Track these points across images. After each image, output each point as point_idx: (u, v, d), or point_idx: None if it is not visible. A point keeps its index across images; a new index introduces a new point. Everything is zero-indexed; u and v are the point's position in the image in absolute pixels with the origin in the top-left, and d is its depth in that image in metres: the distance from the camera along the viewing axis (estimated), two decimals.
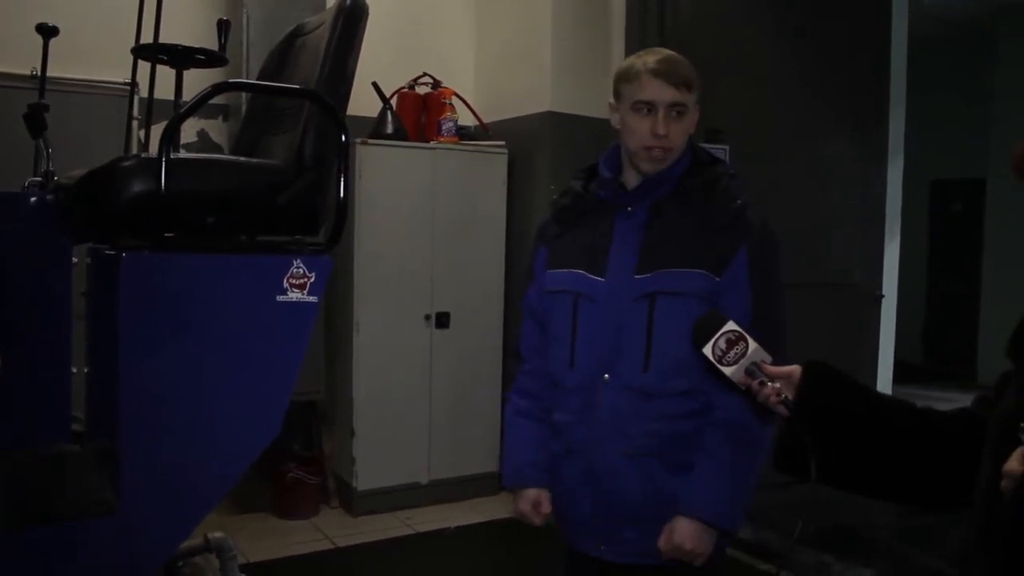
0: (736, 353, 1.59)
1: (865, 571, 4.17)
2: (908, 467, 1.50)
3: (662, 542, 2.02)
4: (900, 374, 6.24)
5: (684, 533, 1.99)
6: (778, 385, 1.55)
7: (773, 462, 1.62)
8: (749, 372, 1.58)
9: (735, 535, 2.14)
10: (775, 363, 1.60)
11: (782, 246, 2.12)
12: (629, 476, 2.07)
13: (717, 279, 2.01)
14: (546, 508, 2.24)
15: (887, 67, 5.56)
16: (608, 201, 2.16)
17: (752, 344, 1.59)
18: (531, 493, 2.24)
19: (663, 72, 2.02)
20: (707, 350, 1.61)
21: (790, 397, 1.54)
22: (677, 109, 2.03)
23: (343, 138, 2.20)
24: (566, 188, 2.28)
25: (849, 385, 1.56)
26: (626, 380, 2.05)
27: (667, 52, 2.10)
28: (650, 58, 2.06)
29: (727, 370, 1.60)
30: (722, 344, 1.60)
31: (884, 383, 5.78)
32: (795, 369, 1.57)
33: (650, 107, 2.04)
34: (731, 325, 1.61)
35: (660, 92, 2.02)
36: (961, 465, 1.37)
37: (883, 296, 5.62)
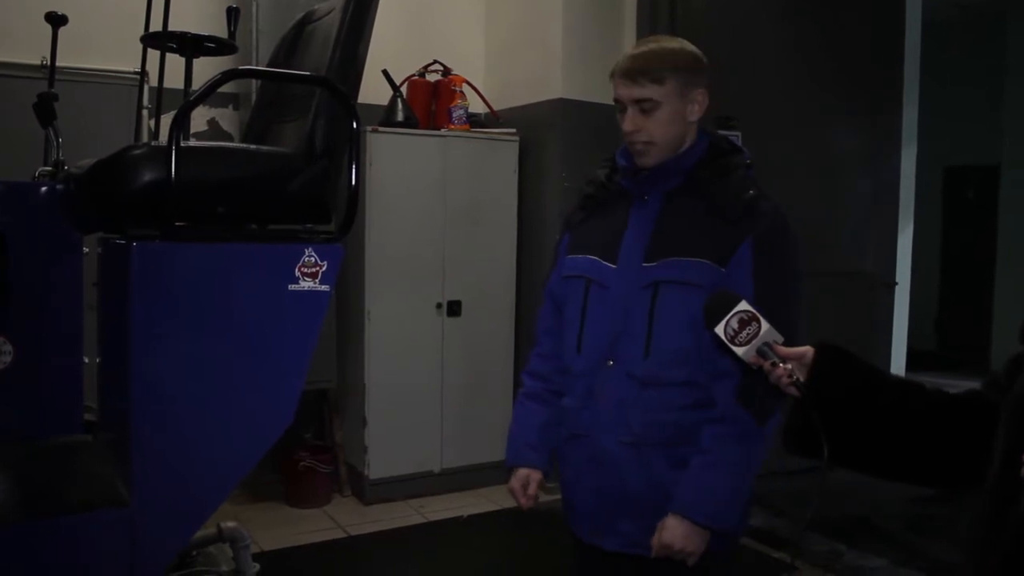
0: (748, 333, 1.58)
1: (878, 560, 4.16)
2: (918, 448, 1.50)
3: (653, 540, 2.01)
4: (913, 362, 6.22)
5: (674, 533, 1.98)
6: (790, 366, 1.55)
7: (784, 443, 1.62)
8: (761, 352, 1.58)
9: (734, 534, 2.13)
10: None
11: (798, 236, 2.09)
12: (627, 465, 2.07)
13: (722, 269, 2.00)
14: (533, 489, 2.25)
15: (900, 53, 5.53)
16: (628, 190, 2.17)
17: (764, 324, 1.58)
18: (522, 472, 2.26)
19: (625, 70, 2.07)
20: (719, 330, 1.60)
21: (802, 378, 1.54)
22: (642, 105, 2.05)
23: (354, 125, 2.18)
24: (591, 176, 2.29)
25: (860, 366, 1.56)
26: (628, 367, 2.06)
27: (648, 47, 2.11)
28: (625, 57, 2.10)
29: (739, 350, 1.59)
30: (734, 324, 1.59)
31: (897, 371, 5.77)
32: (807, 350, 1.56)
33: (622, 105, 2.09)
34: (743, 305, 1.60)
35: (624, 90, 2.07)
36: (971, 446, 1.38)
37: (896, 283, 5.61)
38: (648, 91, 2.04)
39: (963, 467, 1.44)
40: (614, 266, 2.11)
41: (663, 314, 2.02)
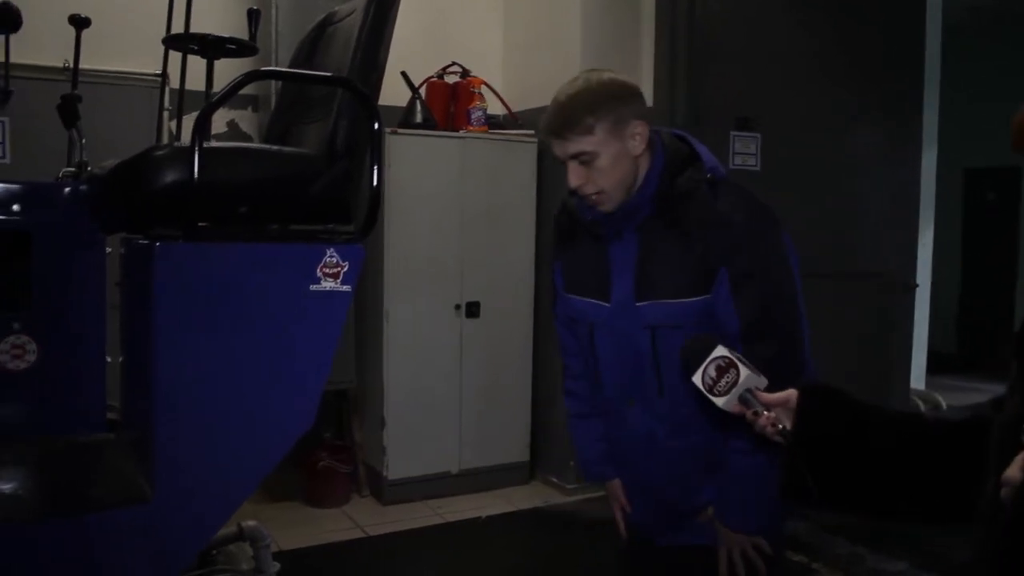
0: (727, 381, 1.51)
1: (899, 563, 4.14)
2: (915, 486, 1.44)
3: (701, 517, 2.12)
4: (934, 364, 6.18)
5: (724, 541, 2.07)
6: (773, 414, 1.49)
7: (778, 491, 1.57)
8: (743, 400, 1.51)
9: (775, 533, 2.14)
10: (792, 375, 1.53)
11: (779, 238, 2.02)
12: (668, 490, 2.17)
13: (708, 296, 1.96)
14: (622, 499, 2.33)
15: (921, 55, 5.50)
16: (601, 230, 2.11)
17: (744, 371, 1.51)
18: (614, 486, 2.34)
19: (550, 130, 1.97)
20: (696, 379, 1.53)
21: (787, 426, 1.47)
22: (580, 159, 1.95)
23: (376, 126, 2.19)
24: (563, 203, 2.22)
25: (851, 404, 1.50)
26: (648, 405, 2.10)
27: (567, 94, 1.96)
28: (547, 113, 1.98)
29: (719, 400, 1.52)
30: (712, 372, 1.52)
31: (918, 373, 5.75)
32: (791, 394, 1.50)
33: (562, 161, 2.00)
34: (720, 351, 1.53)
35: (558, 149, 1.98)
36: (971, 477, 1.31)
37: (917, 286, 5.57)
38: (581, 144, 1.93)
39: (963, 500, 1.35)
40: (609, 305, 2.09)
41: (666, 355, 2.01)
